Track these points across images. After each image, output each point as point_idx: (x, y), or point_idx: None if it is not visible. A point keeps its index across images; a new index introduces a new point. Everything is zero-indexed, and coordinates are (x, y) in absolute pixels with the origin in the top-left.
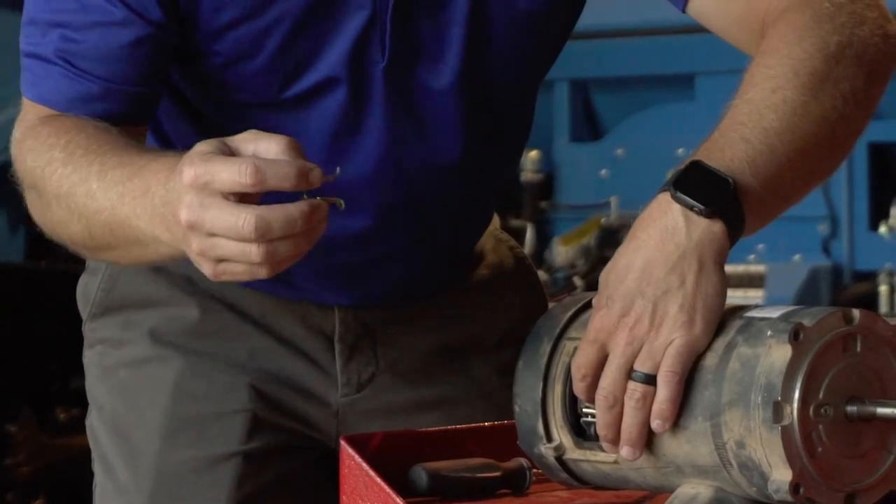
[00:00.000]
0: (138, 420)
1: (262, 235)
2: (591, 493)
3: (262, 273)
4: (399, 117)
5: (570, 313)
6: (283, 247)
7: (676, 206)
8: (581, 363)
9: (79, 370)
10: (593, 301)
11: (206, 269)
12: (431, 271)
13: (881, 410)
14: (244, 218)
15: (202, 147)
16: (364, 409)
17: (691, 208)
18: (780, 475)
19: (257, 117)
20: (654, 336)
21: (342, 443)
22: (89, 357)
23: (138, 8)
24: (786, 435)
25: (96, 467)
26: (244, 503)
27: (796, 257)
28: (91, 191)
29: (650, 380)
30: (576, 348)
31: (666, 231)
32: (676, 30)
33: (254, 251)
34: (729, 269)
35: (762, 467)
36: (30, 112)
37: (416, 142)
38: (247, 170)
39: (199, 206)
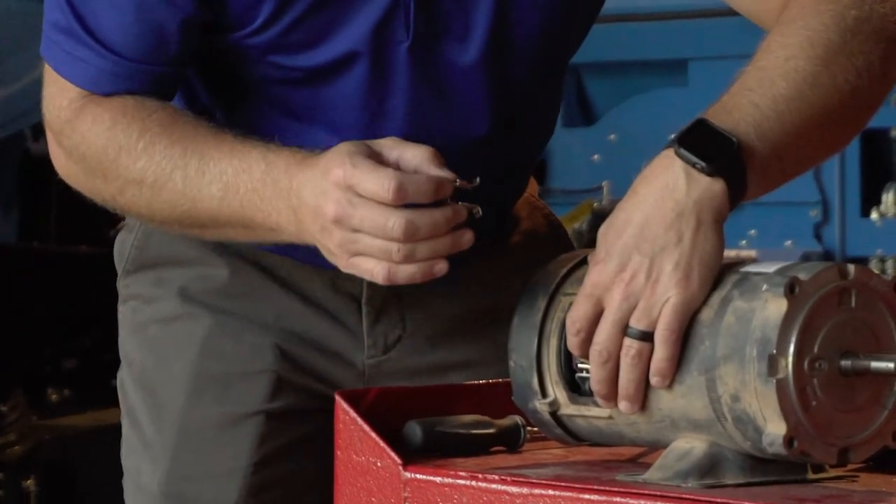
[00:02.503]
0: (166, 376)
1: (409, 237)
2: (585, 451)
3: (398, 272)
4: (424, 93)
5: (566, 269)
6: (423, 249)
7: (678, 163)
8: (576, 318)
9: (70, 352)
10: (590, 256)
11: (340, 261)
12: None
13: (875, 364)
14: (393, 220)
15: (349, 147)
16: (389, 370)
17: (693, 165)
18: (775, 428)
19: (283, 93)
20: (650, 293)
21: (337, 397)
22: (122, 312)
23: None
24: (780, 388)
25: (124, 421)
26: (265, 461)
27: (788, 243)
28: (189, 180)
29: (646, 336)
30: (571, 304)
31: (666, 188)
32: (670, 15)
33: (395, 250)
34: None
35: (757, 421)
36: (70, 91)
37: (441, 116)
38: (390, 185)
39: (348, 203)
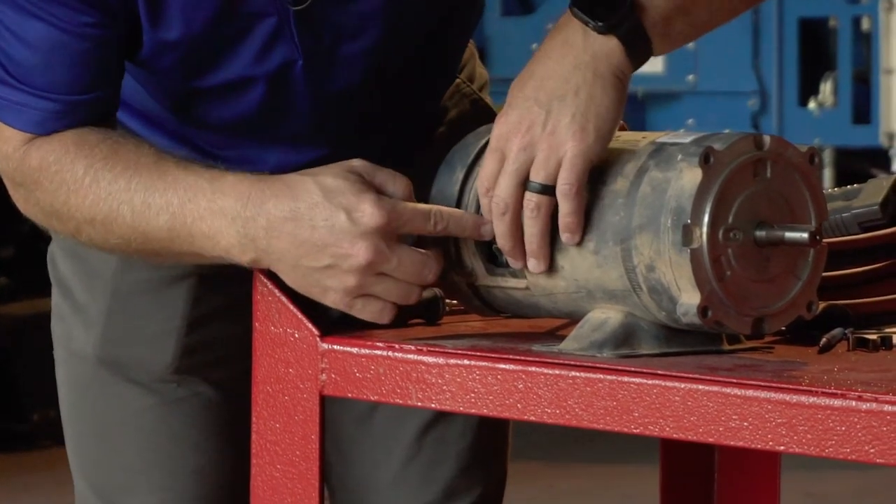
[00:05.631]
0: None
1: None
2: (504, 323)
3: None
4: (324, 92)
5: (483, 141)
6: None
7: (576, 21)
8: (484, 177)
9: (6, 240)
10: None
11: (342, 302)
12: (388, 153)
13: (789, 235)
14: (430, 266)
15: (352, 183)
16: None
17: (587, 24)
18: (689, 298)
19: (191, 100)
20: (546, 144)
21: (255, 270)
22: None
23: (108, 9)
24: (695, 258)
25: (54, 291)
26: (197, 323)
27: (726, 132)
28: (136, 214)
29: (546, 190)
30: None
31: (566, 44)
32: None
33: (413, 293)
34: None
35: (671, 291)
36: (12, 137)
37: (347, 102)
38: (435, 221)
39: (387, 248)
